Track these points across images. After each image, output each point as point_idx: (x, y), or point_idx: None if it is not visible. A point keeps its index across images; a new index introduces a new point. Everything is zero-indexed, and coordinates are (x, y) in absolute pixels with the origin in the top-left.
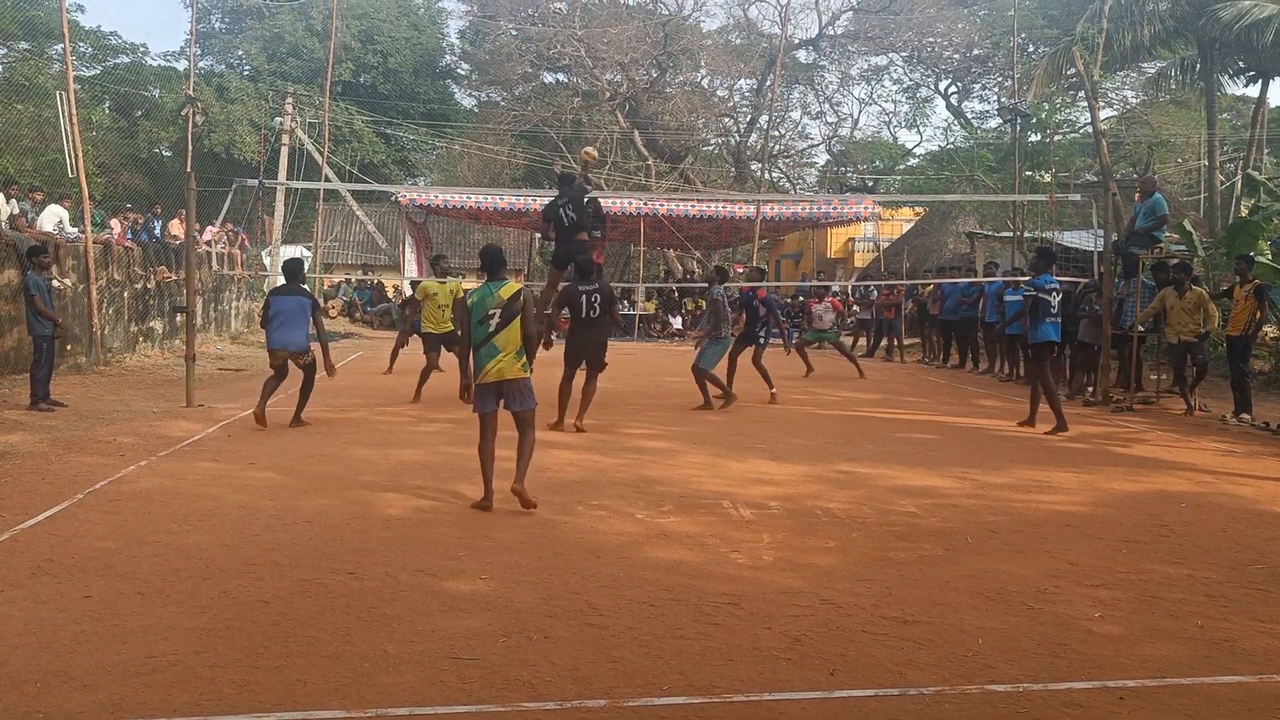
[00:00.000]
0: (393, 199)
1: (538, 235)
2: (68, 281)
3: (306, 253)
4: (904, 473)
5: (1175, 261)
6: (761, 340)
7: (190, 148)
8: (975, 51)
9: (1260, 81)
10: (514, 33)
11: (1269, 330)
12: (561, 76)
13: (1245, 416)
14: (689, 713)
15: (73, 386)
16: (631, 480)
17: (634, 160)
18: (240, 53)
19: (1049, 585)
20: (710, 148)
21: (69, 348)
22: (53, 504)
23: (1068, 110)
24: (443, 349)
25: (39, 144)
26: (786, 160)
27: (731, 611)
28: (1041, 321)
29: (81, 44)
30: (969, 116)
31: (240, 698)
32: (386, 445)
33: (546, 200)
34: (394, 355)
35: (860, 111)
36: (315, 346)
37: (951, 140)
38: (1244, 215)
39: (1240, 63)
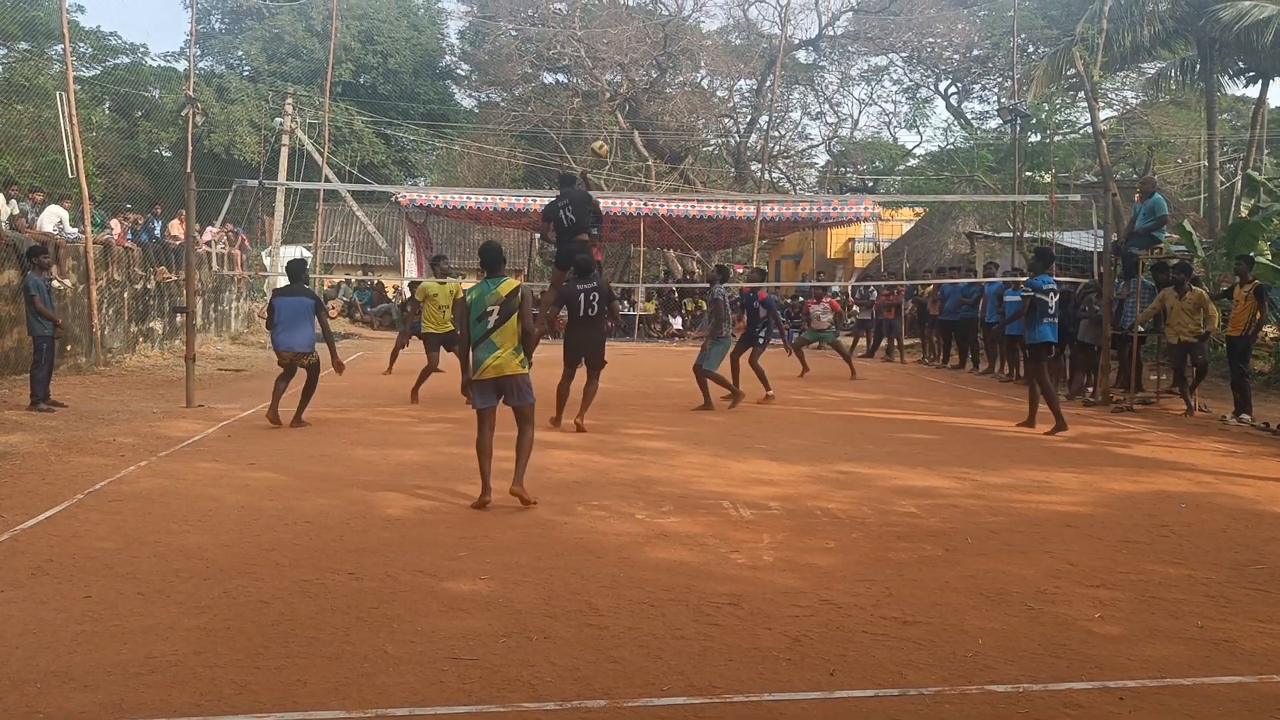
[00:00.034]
0: (393, 199)
1: (537, 235)
2: (68, 282)
3: (306, 253)
4: (904, 473)
5: (1175, 262)
6: (761, 341)
7: (190, 148)
8: (975, 52)
9: (1260, 82)
10: (514, 33)
11: (1269, 331)
12: (561, 77)
13: (1245, 417)
14: (689, 713)
15: (73, 387)
16: (631, 480)
17: (634, 160)
18: (240, 53)
19: (1049, 585)
20: (710, 148)
21: (69, 348)
22: (53, 504)
23: (1067, 111)
24: (443, 349)
25: (39, 144)
26: (786, 161)
27: (731, 612)
28: (1039, 322)
29: (81, 44)
30: (969, 117)
31: (240, 698)
32: (386, 445)
33: (547, 201)
34: (394, 356)
35: (860, 112)
36: (320, 347)
37: (951, 141)
38: (1244, 216)
39: (1240, 63)
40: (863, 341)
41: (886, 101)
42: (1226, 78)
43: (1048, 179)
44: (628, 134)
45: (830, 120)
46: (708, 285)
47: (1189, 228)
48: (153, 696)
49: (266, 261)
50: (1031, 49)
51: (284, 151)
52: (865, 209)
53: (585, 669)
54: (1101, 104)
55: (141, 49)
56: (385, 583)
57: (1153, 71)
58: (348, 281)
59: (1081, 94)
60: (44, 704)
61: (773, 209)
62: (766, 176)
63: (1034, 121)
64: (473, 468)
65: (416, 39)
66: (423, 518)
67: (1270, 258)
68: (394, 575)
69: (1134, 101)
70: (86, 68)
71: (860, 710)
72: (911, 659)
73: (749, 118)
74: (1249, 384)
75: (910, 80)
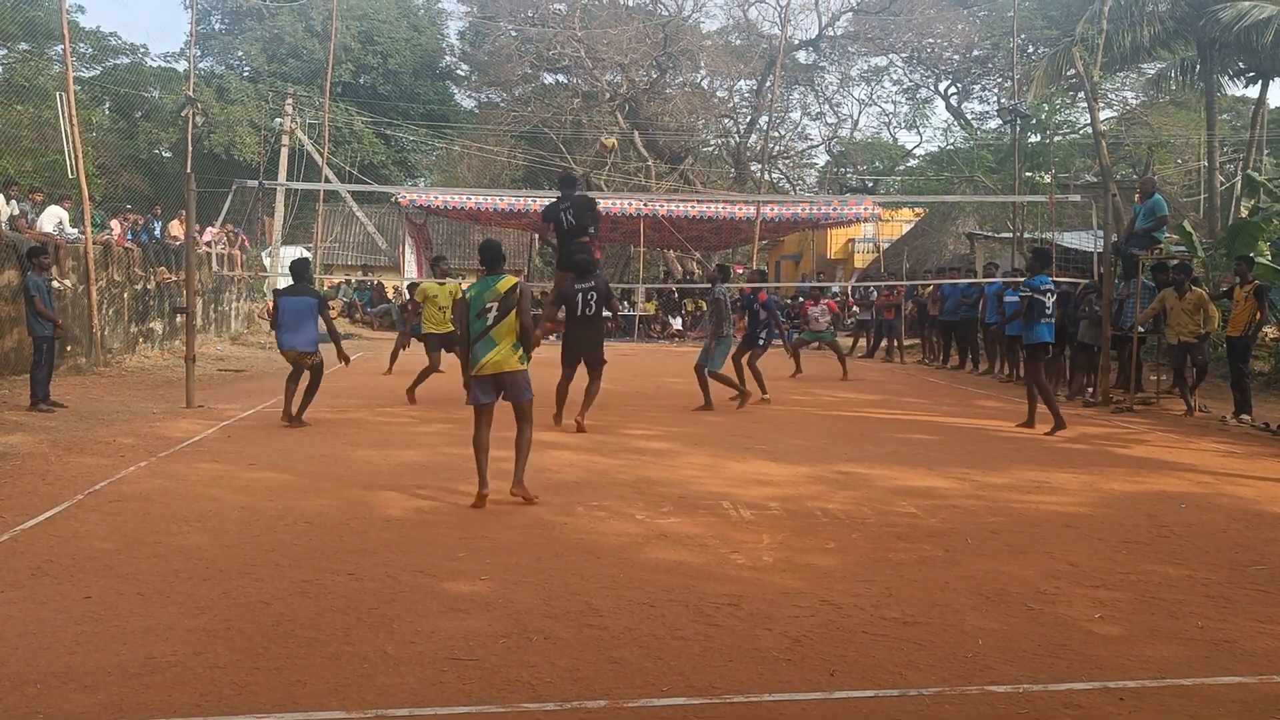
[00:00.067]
0: (392, 200)
1: (537, 236)
2: (68, 282)
3: (306, 253)
4: (904, 473)
5: (1175, 262)
6: (761, 342)
7: (190, 148)
8: (975, 52)
9: (1260, 82)
10: (514, 34)
11: (1269, 331)
12: (561, 77)
13: (1245, 417)
14: (689, 714)
15: (73, 387)
16: (631, 481)
17: (634, 161)
18: (240, 54)
19: (1049, 586)
20: (710, 149)
21: (69, 349)
22: (53, 505)
23: (1067, 111)
24: (443, 350)
25: (39, 145)
26: (786, 161)
27: (731, 612)
28: (1036, 322)
29: (81, 45)
30: (969, 117)
31: (240, 699)
32: (386, 446)
33: (547, 202)
34: (394, 356)
35: (860, 112)
36: (325, 347)
37: (951, 141)
38: (1244, 216)
39: (1240, 63)
40: (863, 342)
41: (886, 102)
42: (1226, 78)
43: (1048, 179)
44: (628, 134)
45: (830, 121)
46: (708, 285)
47: (1189, 228)
48: (153, 697)
49: (266, 262)
50: (1031, 49)
51: (284, 152)
52: (865, 209)
53: (585, 669)
54: (1101, 104)
55: (141, 49)
56: (385, 583)
57: (1153, 72)
58: (348, 282)
59: (1081, 94)
60: (44, 704)
61: (773, 209)
62: (766, 177)
63: (1034, 122)
64: (472, 468)
65: (416, 39)
66: (422, 518)
67: (1270, 258)
68: (394, 576)
69: (1134, 102)
70: (86, 68)
71: (860, 710)
72: (911, 659)
73: (749, 118)
74: (1249, 384)
75: (910, 81)
